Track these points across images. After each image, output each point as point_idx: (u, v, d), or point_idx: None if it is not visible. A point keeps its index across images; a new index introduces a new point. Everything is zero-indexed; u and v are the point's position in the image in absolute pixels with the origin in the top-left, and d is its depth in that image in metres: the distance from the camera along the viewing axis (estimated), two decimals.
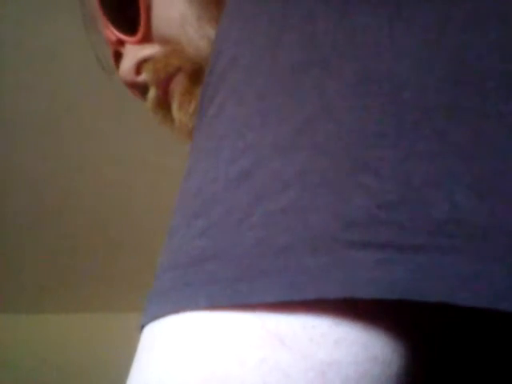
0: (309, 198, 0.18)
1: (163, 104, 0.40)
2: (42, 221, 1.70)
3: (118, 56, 0.43)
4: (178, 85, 0.39)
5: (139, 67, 0.40)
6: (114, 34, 0.41)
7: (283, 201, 0.18)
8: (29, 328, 2.02)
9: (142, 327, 0.20)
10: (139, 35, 0.39)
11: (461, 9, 0.19)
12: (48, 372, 1.95)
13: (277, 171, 0.19)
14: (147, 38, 0.39)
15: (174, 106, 0.39)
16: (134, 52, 0.40)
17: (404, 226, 0.17)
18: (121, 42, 0.41)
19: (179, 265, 0.19)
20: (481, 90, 0.18)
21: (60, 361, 1.97)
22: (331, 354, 0.17)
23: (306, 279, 0.17)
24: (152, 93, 0.40)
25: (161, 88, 0.39)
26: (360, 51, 0.19)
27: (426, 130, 0.18)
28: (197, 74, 0.37)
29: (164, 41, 0.38)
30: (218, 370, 0.17)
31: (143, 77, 0.40)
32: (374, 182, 0.18)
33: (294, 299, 0.17)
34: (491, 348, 0.22)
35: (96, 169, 1.57)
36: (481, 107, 0.18)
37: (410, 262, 0.17)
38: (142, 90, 0.41)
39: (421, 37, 0.19)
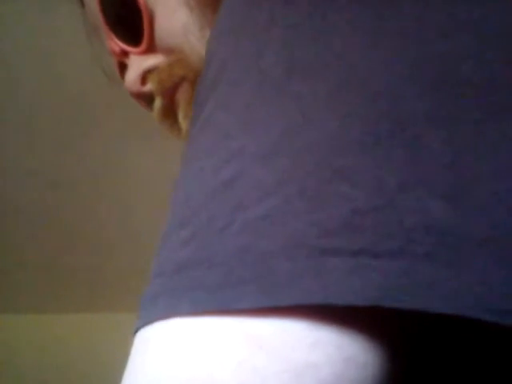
0: (287, 206, 0.19)
1: (170, 113, 0.41)
2: (41, 221, 1.70)
3: (122, 67, 0.43)
4: (184, 94, 0.39)
5: (144, 77, 0.40)
6: (118, 45, 0.41)
7: (262, 209, 0.19)
8: (29, 328, 2.02)
9: (136, 331, 0.21)
10: (143, 46, 0.39)
11: (438, 19, 0.19)
12: (48, 372, 1.95)
13: (257, 180, 0.19)
14: (151, 49, 0.39)
15: (180, 115, 0.40)
16: (139, 62, 0.40)
17: (377, 233, 0.18)
18: (125, 53, 0.42)
19: (166, 272, 0.20)
20: (457, 99, 0.19)
21: (60, 361, 1.98)
22: (307, 357, 0.18)
23: (282, 286, 0.18)
24: (158, 102, 0.40)
25: (167, 97, 0.40)
26: (340, 61, 0.20)
27: (401, 138, 0.18)
28: None
29: (168, 50, 0.39)
30: (199, 372, 0.18)
31: (149, 87, 0.40)
32: (350, 190, 0.18)
33: (270, 305, 0.18)
34: (474, 354, 0.23)
35: (95, 169, 1.58)
36: (457, 116, 0.18)
37: (384, 269, 0.17)
38: (148, 100, 0.42)
39: (400, 47, 0.19)
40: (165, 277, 0.20)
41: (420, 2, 0.20)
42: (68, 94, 1.37)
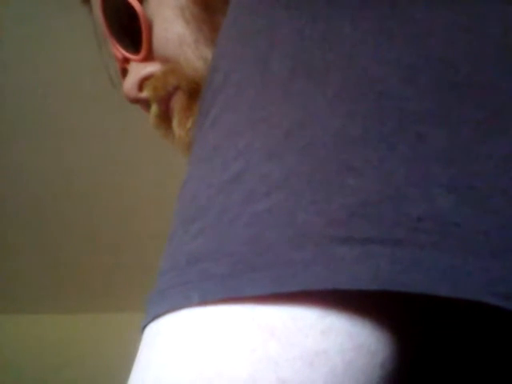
0: (295, 198, 0.19)
1: (165, 120, 0.42)
2: (42, 221, 1.71)
3: (125, 73, 0.45)
4: (178, 102, 0.40)
5: (141, 84, 0.42)
6: (120, 52, 0.42)
7: (271, 201, 0.19)
8: (29, 328, 2.03)
9: (144, 328, 0.21)
10: (142, 54, 0.40)
11: (441, 23, 0.20)
12: (48, 372, 1.95)
13: (265, 174, 0.20)
14: (150, 57, 0.41)
15: (175, 122, 0.41)
16: (137, 69, 0.42)
17: (384, 223, 0.18)
18: (127, 60, 0.43)
19: (176, 266, 0.20)
20: (458, 99, 0.19)
21: (60, 361, 1.97)
22: (319, 344, 0.18)
23: (292, 272, 0.18)
24: (154, 109, 0.42)
25: (162, 105, 0.41)
26: (345, 61, 0.20)
27: (406, 133, 0.19)
28: (195, 92, 0.39)
29: (164, 60, 0.40)
30: (212, 362, 0.18)
31: (145, 94, 0.42)
32: (357, 182, 0.19)
33: (281, 291, 0.18)
34: (479, 341, 0.23)
35: (97, 169, 1.58)
36: (458, 116, 0.19)
37: (391, 256, 0.18)
38: (145, 105, 0.43)
39: (404, 49, 0.20)
40: (174, 271, 0.20)
41: (423, 6, 0.20)
42: (68, 95, 1.37)
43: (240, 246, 0.19)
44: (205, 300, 0.19)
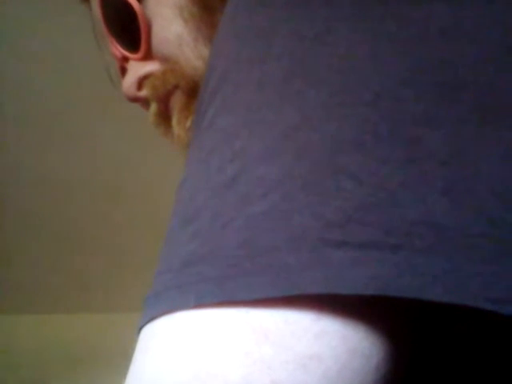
0: (290, 201, 0.19)
1: (164, 119, 0.42)
2: (42, 221, 1.71)
3: (124, 71, 0.44)
4: (177, 101, 0.40)
5: (140, 83, 0.42)
6: (119, 50, 0.42)
7: (266, 204, 0.19)
8: (29, 328, 2.03)
9: (140, 329, 0.21)
10: (141, 53, 0.40)
11: (437, 24, 0.20)
12: (48, 372, 1.95)
13: (261, 177, 0.20)
14: (149, 56, 0.41)
15: (174, 121, 0.41)
16: (136, 68, 0.42)
17: (380, 227, 0.18)
18: (125, 59, 0.43)
19: (172, 268, 0.20)
20: (455, 101, 0.19)
21: (60, 361, 1.98)
22: (312, 347, 0.18)
23: (287, 276, 0.18)
24: (153, 108, 0.42)
25: (162, 104, 0.41)
26: (341, 64, 0.20)
27: (401, 137, 0.19)
28: (194, 91, 0.39)
29: (163, 59, 0.40)
30: (206, 364, 0.18)
31: (144, 92, 0.42)
32: (352, 186, 0.19)
33: (277, 295, 0.18)
34: (475, 345, 0.23)
35: (99, 169, 1.58)
36: (455, 118, 0.19)
37: (386, 260, 0.18)
38: (145, 104, 0.43)
39: (401, 50, 0.20)
40: (170, 273, 0.20)
41: (420, 7, 0.20)
42: (68, 94, 1.37)
43: (235, 248, 0.19)
44: (200, 303, 0.19)
